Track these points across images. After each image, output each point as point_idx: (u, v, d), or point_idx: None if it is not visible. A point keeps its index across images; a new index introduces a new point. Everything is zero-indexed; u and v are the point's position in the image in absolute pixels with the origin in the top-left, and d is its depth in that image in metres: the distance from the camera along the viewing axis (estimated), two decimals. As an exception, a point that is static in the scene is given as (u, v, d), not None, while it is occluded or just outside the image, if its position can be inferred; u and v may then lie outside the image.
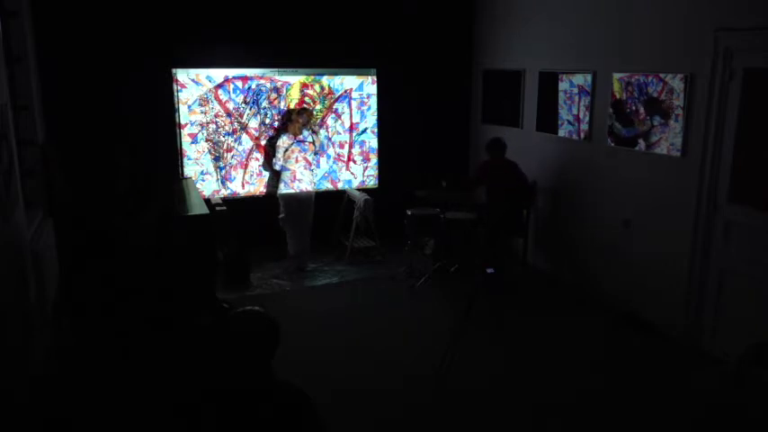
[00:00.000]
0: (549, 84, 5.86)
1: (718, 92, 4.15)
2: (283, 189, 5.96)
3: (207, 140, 6.21)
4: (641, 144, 4.83)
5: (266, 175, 6.30)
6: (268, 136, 6.25)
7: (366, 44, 6.61)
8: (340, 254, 6.53)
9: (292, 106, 6.41)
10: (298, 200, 5.98)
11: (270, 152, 6.07)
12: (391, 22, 6.66)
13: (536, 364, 4.29)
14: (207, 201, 5.26)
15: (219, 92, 6.15)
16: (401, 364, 4.27)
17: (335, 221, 6.71)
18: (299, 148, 5.95)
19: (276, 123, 6.30)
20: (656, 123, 4.67)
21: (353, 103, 6.74)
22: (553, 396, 3.88)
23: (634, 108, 4.87)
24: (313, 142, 6.10)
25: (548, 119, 5.92)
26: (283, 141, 5.89)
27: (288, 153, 5.90)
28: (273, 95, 6.37)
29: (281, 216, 6.05)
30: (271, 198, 6.13)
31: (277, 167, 5.94)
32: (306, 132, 6.01)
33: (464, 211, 5.93)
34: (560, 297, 5.56)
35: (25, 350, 3.33)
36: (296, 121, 5.95)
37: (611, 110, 5.10)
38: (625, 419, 3.66)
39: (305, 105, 6.36)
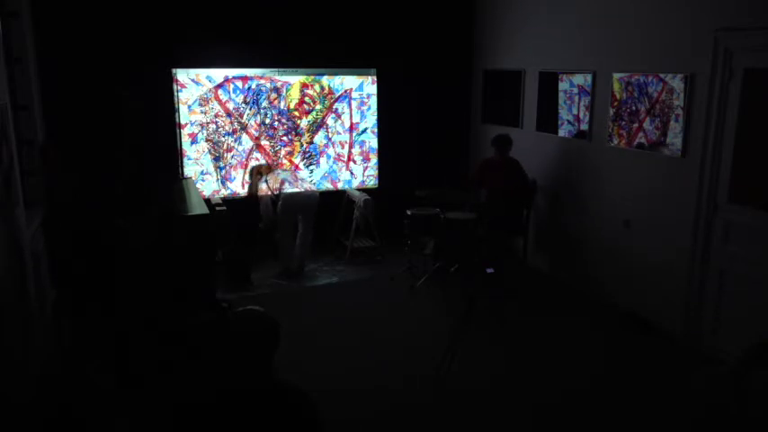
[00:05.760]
0: (549, 84, 5.86)
1: (718, 92, 4.15)
2: (288, 188, 5.95)
3: (207, 140, 6.21)
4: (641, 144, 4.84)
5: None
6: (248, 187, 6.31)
7: (366, 44, 6.61)
8: (340, 254, 6.53)
9: (292, 106, 6.41)
10: (290, 200, 5.93)
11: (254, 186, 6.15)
12: (391, 23, 6.66)
13: (536, 364, 4.29)
14: (207, 201, 5.26)
15: (219, 92, 6.15)
16: (401, 364, 4.27)
17: (335, 221, 6.71)
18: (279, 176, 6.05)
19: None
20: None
21: (353, 103, 6.74)
22: (553, 396, 3.88)
23: (634, 108, 4.88)
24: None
25: (548, 119, 5.92)
26: (263, 180, 6.02)
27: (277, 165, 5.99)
28: (273, 95, 6.37)
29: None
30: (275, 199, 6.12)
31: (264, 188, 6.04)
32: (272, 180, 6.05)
33: (464, 211, 5.93)
34: (560, 297, 5.56)
35: (25, 350, 3.33)
36: (255, 175, 6.10)
37: (612, 114, 5.10)
38: (625, 419, 3.65)
39: (268, 163, 6.37)
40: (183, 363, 3.23)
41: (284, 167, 6.29)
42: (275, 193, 5.91)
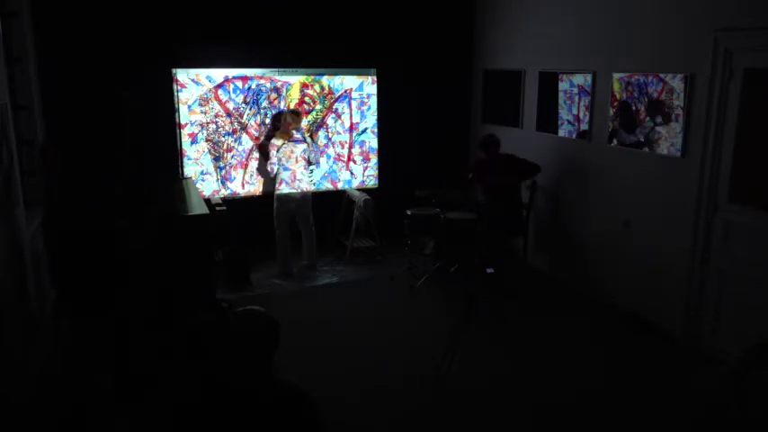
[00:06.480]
0: (549, 84, 5.86)
1: (718, 92, 4.15)
2: (284, 189, 5.95)
3: (207, 140, 6.21)
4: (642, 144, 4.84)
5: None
6: (263, 138, 6.25)
7: (366, 44, 6.61)
8: (340, 254, 6.53)
9: (292, 106, 6.41)
10: (284, 200, 5.95)
11: (263, 155, 6.06)
12: (391, 23, 6.66)
13: (536, 364, 4.29)
14: (207, 201, 5.26)
15: (219, 92, 6.15)
16: (401, 364, 4.27)
17: (335, 221, 6.71)
18: (297, 147, 5.96)
19: (269, 125, 6.32)
20: (657, 124, 4.67)
21: (353, 103, 6.74)
22: (553, 396, 3.88)
23: (635, 108, 4.87)
24: (307, 144, 6.03)
25: (548, 119, 5.92)
26: (275, 144, 5.92)
27: (284, 153, 5.90)
28: (273, 95, 6.37)
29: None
30: (269, 198, 6.12)
31: (271, 169, 5.95)
32: (298, 135, 6.00)
33: (464, 211, 5.93)
34: (560, 297, 5.56)
35: (25, 350, 3.33)
36: (285, 122, 5.96)
37: (612, 114, 5.10)
38: (625, 419, 3.66)
39: (297, 109, 6.32)
40: (182, 363, 3.23)
41: (301, 138, 6.08)
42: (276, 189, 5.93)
